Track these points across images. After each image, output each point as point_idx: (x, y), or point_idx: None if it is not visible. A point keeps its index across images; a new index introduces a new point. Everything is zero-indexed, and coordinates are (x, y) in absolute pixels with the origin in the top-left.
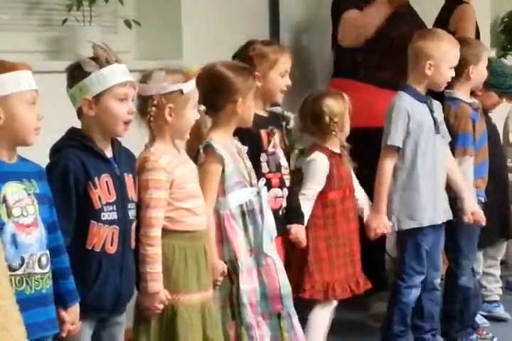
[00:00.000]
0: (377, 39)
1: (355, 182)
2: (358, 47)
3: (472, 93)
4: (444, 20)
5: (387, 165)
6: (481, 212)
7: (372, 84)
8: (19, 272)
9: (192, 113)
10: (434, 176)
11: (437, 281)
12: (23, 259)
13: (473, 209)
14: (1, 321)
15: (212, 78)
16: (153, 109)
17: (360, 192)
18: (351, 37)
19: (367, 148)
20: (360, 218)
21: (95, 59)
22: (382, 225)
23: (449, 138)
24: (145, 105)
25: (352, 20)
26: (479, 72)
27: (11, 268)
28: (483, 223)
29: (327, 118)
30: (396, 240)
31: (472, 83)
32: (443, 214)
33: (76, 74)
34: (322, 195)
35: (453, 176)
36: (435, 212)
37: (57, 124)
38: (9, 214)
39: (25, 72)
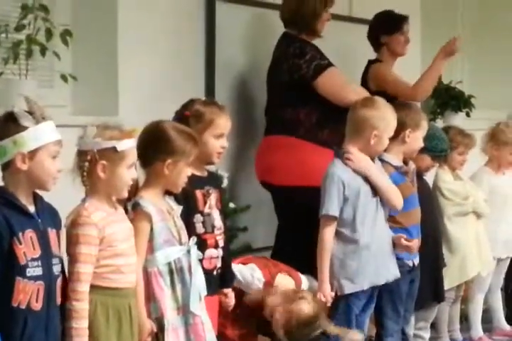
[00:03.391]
0: (319, 98)
1: None
2: (299, 101)
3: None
4: (364, 82)
5: (327, 234)
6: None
7: (311, 142)
8: None
9: (127, 171)
10: (376, 238)
11: None
12: None
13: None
14: None
15: (152, 132)
16: (86, 164)
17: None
18: None
19: (296, 206)
20: None
21: (30, 113)
22: (328, 294)
23: None
24: (80, 160)
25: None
26: (416, 139)
27: None
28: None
29: None
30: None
31: (406, 148)
32: (385, 276)
33: (11, 126)
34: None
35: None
36: (376, 274)
37: None
38: None
39: None
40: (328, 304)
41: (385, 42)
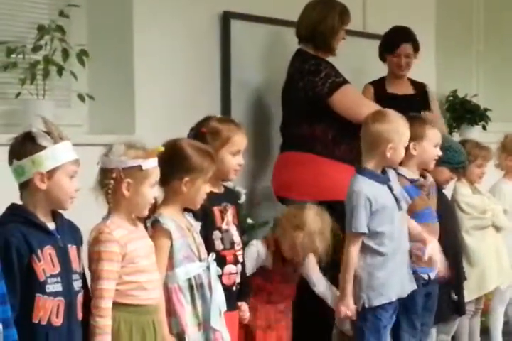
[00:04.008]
0: (335, 115)
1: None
2: (315, 118)
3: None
4: None
5: (354, 251)
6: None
7: (328, 158)
8: None
9: (150, 190)
10: (401, 251)
11: None
12: None
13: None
14: None
15: (171, 151)
16: (112, 182)
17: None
18: None
19: None
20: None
21: (48, 133)
22: (349, 308)
23: (408, 202)
24: (105, 178)
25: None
26: (424, 150)
27: None
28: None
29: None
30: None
31: (417, 159)
32: (408, 287)
33: (29, 146)
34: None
35: (413, 230)
36: (402, 285)
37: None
38: None
39: None
40: (353, 317)
41: (385, 60)
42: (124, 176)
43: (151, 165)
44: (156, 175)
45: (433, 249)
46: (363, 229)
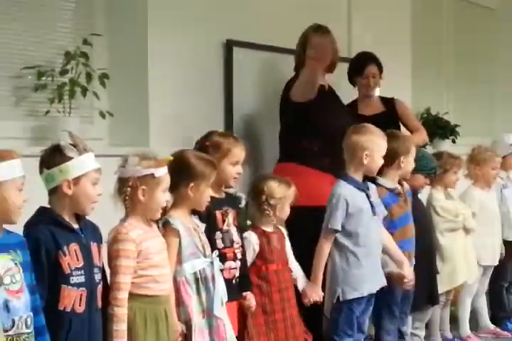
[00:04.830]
0: (320, 130)
1: (291, 256)
2: (303, 134)
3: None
4: None
5: (326, 245)
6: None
7: (314, 168)
8: (11, 333)
9: (162, 195)
10: (373, 251)
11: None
12: (13, 321)
13: (410, 276)
14: None
15: (178, 161)
16: (129, 189)
17: (294, 265)
18: (300, 93)
19: (305, 225)
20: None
21: (74, 146)
22: (317, 294)
23: (385, 214)
24: (122, 186)
25: (298, 83)
26: (409, 163)
27: (4, 330)
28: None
29: (263, 198)
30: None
31: (402, 172)
32: (378, 284)
33: (57, 157)
34: (256, 267)
35: (391, 251)
36: (373, 283)
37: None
38: (0, 283)
39: (16, 161)
40: (320, 301)
41: (355, 83)
42: (139, 184)
43: (162, 172)
44: (166, 181)
45: (408, 270)
46: (337, 226)
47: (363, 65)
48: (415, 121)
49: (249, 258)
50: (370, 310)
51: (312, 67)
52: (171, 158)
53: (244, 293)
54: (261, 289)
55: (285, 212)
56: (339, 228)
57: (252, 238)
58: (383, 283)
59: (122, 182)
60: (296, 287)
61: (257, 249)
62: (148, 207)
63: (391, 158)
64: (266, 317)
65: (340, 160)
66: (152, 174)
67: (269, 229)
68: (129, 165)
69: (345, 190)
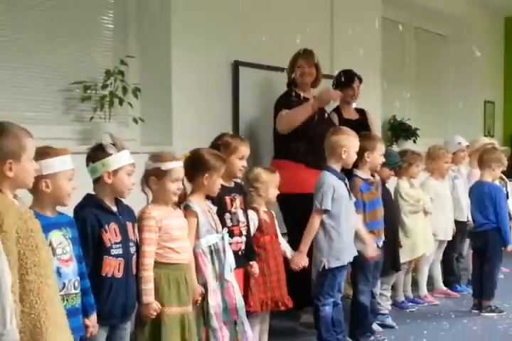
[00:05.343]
0: (305, 132)
1: (278, 232)
2: (292, 137)
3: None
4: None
5: (316, 222)
6: (376, 253)
7: (301, 164)
8: (62, 293)
9: (171, 184)
10: (349, 229)
11: (339, 299)
12: (64, 284)
13: (372, 253)
14: (53, 320)
15: (194, 157)
16: (144, 179)
17: (281, 240)
18: (283, 127)
19: (296, 207)
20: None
21: (113, 145)
22: (304, 261)
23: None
24: (143, 176)
25: (284, 116)
26: (375, 158)
27: None
28: (377, 259)
29: (250, 182)
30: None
31: (369, 164)
32: (352, 254)
33: (100, 153)
34: (256, 238)
35: (359, 231)
36: (349, 254)
37: (88, 187)
38: (54, 253)
39: (67, 156)
40: (306, 265)
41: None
42: (151, 175)
43: (169, 166)
44: (176, 173)
45: (371, 249)
46: (329, 207)
47: (350, 80)
48: (376, 131)
49: (252, 231)
50: (345, 275)
51: (307, 109)
52: (189, 154)
53: (251, 262)
54: (260, 256)
55: (271, 193)
56: (330, 208)
57: (253, 215)
58: (355, 253)
59: (143, 174)
60: (285, 258)
61: (257, 223)
62: (162, 193)
63: (360, 153)
64: (264, 279)
65: (321, 157)
66: (159, 167)
67: (262, 208)
68: (152, 160)
69: (331, 179)
